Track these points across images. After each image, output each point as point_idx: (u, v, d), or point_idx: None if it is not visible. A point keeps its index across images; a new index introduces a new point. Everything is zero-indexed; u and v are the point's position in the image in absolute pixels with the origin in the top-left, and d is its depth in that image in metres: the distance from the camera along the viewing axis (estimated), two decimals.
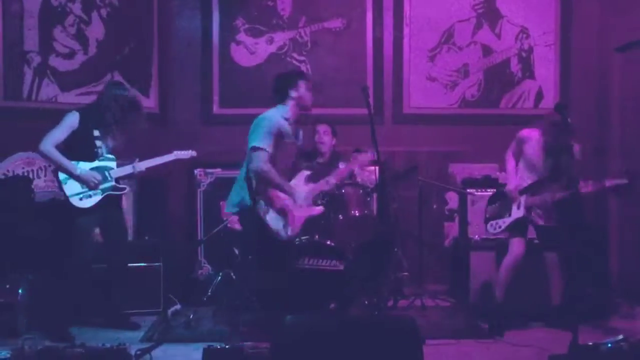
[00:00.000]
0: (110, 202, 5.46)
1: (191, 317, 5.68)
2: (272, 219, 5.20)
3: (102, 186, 5.37)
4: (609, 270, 6.50)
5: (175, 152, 5.72)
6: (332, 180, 5.51)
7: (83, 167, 5.33)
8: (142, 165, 5.57)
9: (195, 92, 7.21)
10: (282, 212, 5.21)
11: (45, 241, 5.79)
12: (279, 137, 5.17)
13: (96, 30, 6.84)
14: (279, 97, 5.31)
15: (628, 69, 6.85)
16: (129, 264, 5.82)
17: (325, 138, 6.41)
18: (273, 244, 5.20)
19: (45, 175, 6.32)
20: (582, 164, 5.06)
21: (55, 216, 5.94)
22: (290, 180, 5.36)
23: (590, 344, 4.39)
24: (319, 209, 5.41)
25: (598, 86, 7.24)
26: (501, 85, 7.38)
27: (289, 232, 5.21)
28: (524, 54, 7.36)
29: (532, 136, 5.65)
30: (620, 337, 4.40)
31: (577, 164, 5.42)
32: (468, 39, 7.34)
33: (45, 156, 5.35)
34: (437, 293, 6.52)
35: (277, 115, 5.23)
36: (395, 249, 6.31)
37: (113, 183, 5.44)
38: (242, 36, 7.25)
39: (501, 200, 5.78)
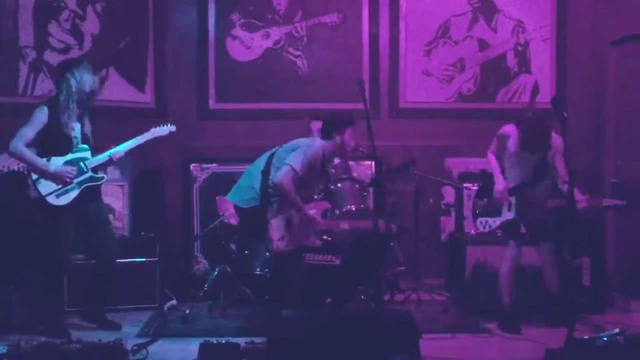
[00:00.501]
0: (89, 195, 5.22)
1: (187, 312, 5.68)
2: (276, 225, 5.23)
3: (78, 179, 5.15)
4: (605, 264, 6.50)
5: (152, 130, 5.45)
6: (344, 226, 5.63)
7: (56, 162, 5.12)
8: (121, 150, 5.29)
9: (191, 87, 7.20)
10: (295, 224, 5.27)
11: (40, 237, 5.78)
12: (313, 168, 5.31)
13: (91, 25, 6.81)
14: (325, 134, 5.49)
15: (624, 63, 6.85)
16: (121, 259, 5.70)
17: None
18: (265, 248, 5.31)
19: None
20: (571, 158, 4.99)
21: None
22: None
23: (586, 337, 4.40)
24: (318, 243, 5.49)
25: (594, 80, 7.24)
26: (497, 80, 7.38)
27: (282, 245, 5.23)
28: (520, 48, 7.36)
29: (512, 132, 5.57)
30: (616, 330, 4.41)
31: (566, 161, 5.29)
32: (464, 33, 7.33)
33: (15, 156, 5.18)
34: (433, 287, 6.52)
35: (321, 149, 5.39)
36: (392, 244, 6.31)
37: (90, 174, 5.20)
38: (237, 31, 7.23)
39: (490, 197, 5.67)
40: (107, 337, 4.45)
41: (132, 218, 6.58)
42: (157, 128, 5.49)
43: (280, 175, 5.19)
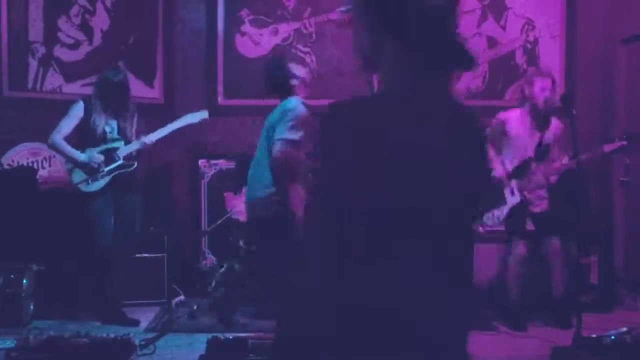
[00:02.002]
0: (124, 185, 5.49)
1: (195, 307, 5.69)
2: (296, 197, 5.15)
3: (108, 167, 5.42)
4: (614, 262, 6.49)
5: (184, 117, 5.68)
6: None
7: (89, 152, 5.42)
8: (152, 137, 5.54)
9: (199, 82, 7.21)
10: None
11: (49, 231, 5.81)
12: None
13: (101, 21, 6.83)
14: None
15: (634, 61, 6.82)
16: (134, 255, 5.82)
17: None
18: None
19: (50, 166, 6.33)
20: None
21: (60, 206, 5.97)
22: None
23: (594, 336, 4.40)
24: None
25: (603, 78, 7.21)
26: (506, 77, 7.36)
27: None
28: (529, 46, 7.34)
29: (511, 116, 5.64)
30: (624, 329, 4.41)
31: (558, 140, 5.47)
32: (473, 30, 7.32)
33: (52, 148, 5.52)
34: None
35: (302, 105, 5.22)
36: None
37: (121, 162, 5.47)
38: (246, 27, 7.24)
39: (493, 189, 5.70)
40: (115, 331, 4.47)
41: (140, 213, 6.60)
42: (189, 115, 5.71)
43: (275, 151, 4.70)
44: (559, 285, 5.58)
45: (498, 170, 5.61)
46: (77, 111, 5.45)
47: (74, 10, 6.71)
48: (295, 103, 4.96)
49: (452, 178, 1.57)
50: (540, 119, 5.58)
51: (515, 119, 5.62)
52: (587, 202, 5.32)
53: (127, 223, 5.59)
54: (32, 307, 5.47)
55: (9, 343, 4.34)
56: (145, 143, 5.51)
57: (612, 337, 4.31)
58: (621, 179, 6.53)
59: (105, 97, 5.46)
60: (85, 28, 6.76)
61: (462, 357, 1.68)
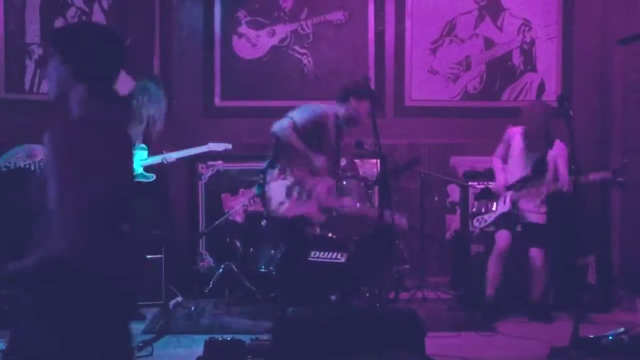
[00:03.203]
0: (139, 191, 5.62)
1: (193, 309, 5.69)
2: (276, 188, 5.19)
3: None
4: (611, 263, 6.50)
5: (209, 144, 5.80)
6: (347, 203, 5.62)
7: None
8: (173, 156, 5.70)
9: (196, 84, 7.20)
10: (298, 187, 5.22)
11: None
12: (319, 125, 5.30)
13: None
14: (341, 97, 5.56)
15: (630, 62, 6.83)
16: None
17: None
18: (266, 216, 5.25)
19: None
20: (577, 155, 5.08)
21: None
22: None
23: (592, 336, 4.40)
24: (322, 218, 5.44)
25: (600, 79, 7.22)
26: (503, 78, 7.36)
27: (281, 210, 5.20)
28: (526, 47, 7.35)
29: (516, 133, 5.83)
30: (622, 329, 4.41)
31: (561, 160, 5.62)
32: (470, 31, 7.32)
33: None
34: (438, 285, 6.52)
35: (328, 110, 5.45)
36: (397, 242, 6.31)
37: (141, 172, 5.59)
38: (243, 28, 7.23)
39: (488, 197, 5.90)
40: None
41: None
42: (214, 143, 5.91)
43: (277, 123, 5.21)
44: (537, 295, 5.72)
45: (498, 183, 5.85)
46: None
47: (71, 11, 6.71)
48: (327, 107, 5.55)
49: (129, 171, 2.70)
50: (534, 143, 5.76)
51: (517, 137, 5.84)
52: (578, 211, 5.44)
53: (139, 225, 5.61)
54: None
55: (2, 345, 4.31)
56: (166, 159, 5.66)
57: (610, 338, 4.31)
58: (618, 179, 6.54)
59: (146, 109, 5.50)
60: None
61: None
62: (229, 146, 5.84)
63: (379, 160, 5.82)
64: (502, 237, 5.68)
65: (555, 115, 5.46)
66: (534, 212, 5.71)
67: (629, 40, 6.81)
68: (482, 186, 6.23)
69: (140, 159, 5.58)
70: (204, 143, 6.59)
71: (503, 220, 5.74)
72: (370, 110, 5.38)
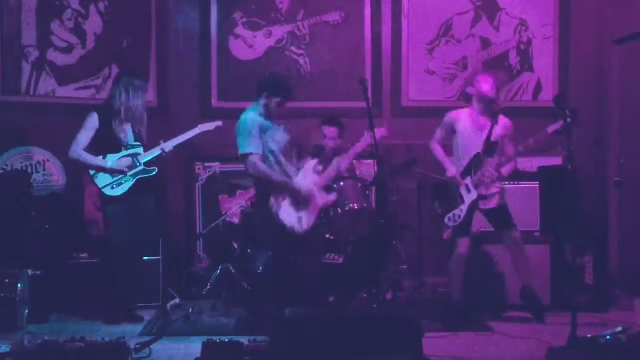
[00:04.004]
0: (141, 188, 5.61)
1: (190, 311, 5.69)
2: (286, 214, 5.20)
3: (131, 172, 5.56)
4: (608, 263, 6.50)
5: (200, 126, 5.86)
6: (343, 162, 5.56)
7: (111, 159, 5.54)
8: (170, 145, 5.71)
9: (193, 85, 7.20)
10: (298, 203, 5.22)
11: (44, 235, 5.80)
12: (261, 133, 5.23)
13: (94, 24, 6.83)
14: (257, 93, 5.46)
15: (627, 62, 6.84)
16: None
17: (331, 143, 6.32)
18: (289, 239, 5.21)
19: (44, 170, 6.32)
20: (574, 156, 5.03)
21: (54, 210, 5.99)
22: (297, 172, 5.36)
23: (589, 336, 4.40)
24: (333, 195, 5.41)
25: (597, 78, 7.22)
26: (500, 78, 7.36)
27: (304, 226, 5.19)
28: (522, 47, 7.35)
29: (462, 115, 5.78)
30: (619, 329, 4.41)
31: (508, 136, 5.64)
32: (467, 31, 7.32)
33: (76, 162, 5.60)
34: (436, 286, 6.52)
35: (251, 116, 5.33)
36: (394, 242, 6.32)
37: (143, 167, 5.60)
38: (240, 30, 7.23)
39: (447, 191, 5.77)
40: (110, 335, 4.46)
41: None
42: (204, 124, 5.92)
43: (249, 170, 5.24)
44: (526, 275, 5.66)
45: (451, 171, 5.74)
46: (93, 123, 5.54)
47: (67, 14, 6.71)
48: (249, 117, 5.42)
49: None
50: (488, 116, 5.70)
51: (464, 118, 5.76)
52: (577, 202, 5.33)
53: (144, 225, 5.68)
54: (27, 311, 5.45)
55: (4, 348, 4.31)
56: (164, 150, 5.68)
57: (608, 338, 4.31)
58: (615, 179, 6.55)
59: (133, 103, 5.58)
60: (79, 32, 6.76)
61: None
62: (220, 123, 5.89)
63: (376, 161, 5.82)
64: (462, 244, 5.64)
65: (552, 115, 5.46)
66: (489, 198, 5.65)
67: (625, 40, 6.82)
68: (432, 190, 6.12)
69: (138, 154, 5.58)
70: (201, 144, 6.59)
71: (459, 227, 5.62)
72: (280, 107, 5.38)
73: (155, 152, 5.66)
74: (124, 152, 5.58)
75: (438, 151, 5.86)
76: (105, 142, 5.56)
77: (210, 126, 5.89)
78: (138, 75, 5.73)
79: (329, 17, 7.25)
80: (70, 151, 5.54)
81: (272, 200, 5.20)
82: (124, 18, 6.96)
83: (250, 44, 7.23)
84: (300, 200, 5.24)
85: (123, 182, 5.55)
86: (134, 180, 5.57)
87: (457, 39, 7.32)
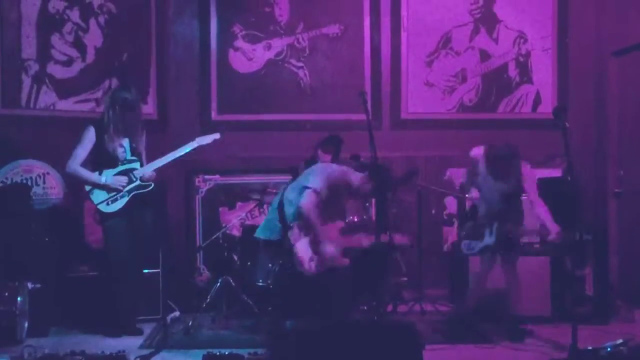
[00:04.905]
0: (138, 202, 5.59)
1: (190, 323, 5.67)
2: (302, 247, 5.17)
3: (127, 188, 5.54)
4: (609, 274, 6.49)
5: (197, 139, 5.81)
6: (365, 242, 5.58)
7: (107, 174, 5.52)
8: (166, 160, 5.67)
9: (193, 98, 7.21)
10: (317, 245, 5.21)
11: (44, 248, 5.79)
12: (337, 188, 5.28)
13: (94, 38, 6.84)
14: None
15: (625, 73, 6.86)
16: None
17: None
18: (295, 273, 5.21)
19: (43, 183, 6.32)
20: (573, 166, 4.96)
21: (54, 223, 5.98)
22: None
23: (590, 348, 4.40)
24: (346, 261, 5.38)
25: (596, 90, 7.24)
26: (499, 90, 7.38)
27: (314, 267, 5.17)
28: (521, 59, 7.37)
29: (479, 156, 5.57)
30: (620, 340, 4.40)
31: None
32: (466, 44, 7.35)
33: (72, 176, 5.63)
34: (436, 298, 6.51)
35: (339, 168, 5.43)
36: (395, 255, 6.31)
37: (138, 182, 5.58)
38: (239, 42, 7.25)
39: (475, 220, 5.70)
40: (110, 348, 4.45)
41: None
42: (201, 137, 5.85)
43: (302, 200, 5.14)
44: (514, 299, 5.55)
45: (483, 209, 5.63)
46: (90, 137, 5.54)
47: (67, 27, 6.72)
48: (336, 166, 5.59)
49: None
50: (500, 166, 5.46)
51: (482, 160, 5.57)
52: (577, 213, 5.29)
53: (143, 238, 5.67)
54: (26, 325, 5.44)
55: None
56: (161, 164, 5.65)
57: (609, 349, 4.30)
58: (615, 190, 6.56)
59: (123, 118, 5.54)
60: (79, 45, 6.76)
61: None
62: (217, 136, 5.85)
63: (374, 173, 5.81)
64: (485, 262, 5.59)
65: (552, 127, 5.45)
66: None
67: (623, 52, 6.85)
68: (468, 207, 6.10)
69: (134, 169, 5.56)
70: (201, 157, 6.60)
71: (485, 251, 5.56)
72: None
73: (150, 167, 5.62)
74: (120, 167, 5.56)
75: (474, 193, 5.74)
76: (101, 157, 5.56)
77: (207, 139, 5.84)
78: (128, 89, 5.69)
79: (328, 29, 7.27)
80: (66, 166, 5.56)
81: (296, 228, 5.24)
82: (124, 32, 6.98)
83: (250, 56, 7.25)
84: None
85: (118, 198, 5.53)
86: (130, 196, 5.56)
87: (456, 51, 7.34)
